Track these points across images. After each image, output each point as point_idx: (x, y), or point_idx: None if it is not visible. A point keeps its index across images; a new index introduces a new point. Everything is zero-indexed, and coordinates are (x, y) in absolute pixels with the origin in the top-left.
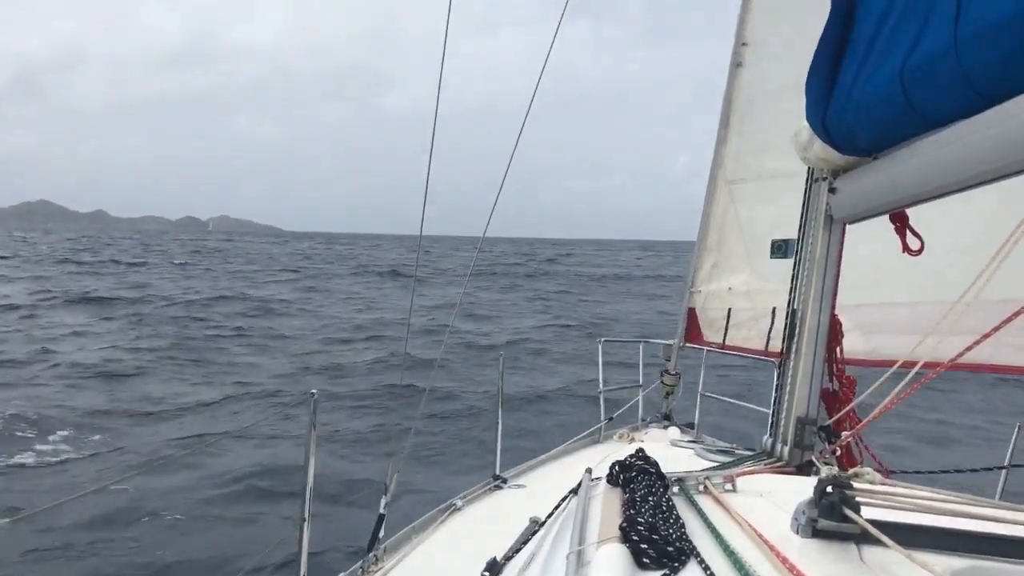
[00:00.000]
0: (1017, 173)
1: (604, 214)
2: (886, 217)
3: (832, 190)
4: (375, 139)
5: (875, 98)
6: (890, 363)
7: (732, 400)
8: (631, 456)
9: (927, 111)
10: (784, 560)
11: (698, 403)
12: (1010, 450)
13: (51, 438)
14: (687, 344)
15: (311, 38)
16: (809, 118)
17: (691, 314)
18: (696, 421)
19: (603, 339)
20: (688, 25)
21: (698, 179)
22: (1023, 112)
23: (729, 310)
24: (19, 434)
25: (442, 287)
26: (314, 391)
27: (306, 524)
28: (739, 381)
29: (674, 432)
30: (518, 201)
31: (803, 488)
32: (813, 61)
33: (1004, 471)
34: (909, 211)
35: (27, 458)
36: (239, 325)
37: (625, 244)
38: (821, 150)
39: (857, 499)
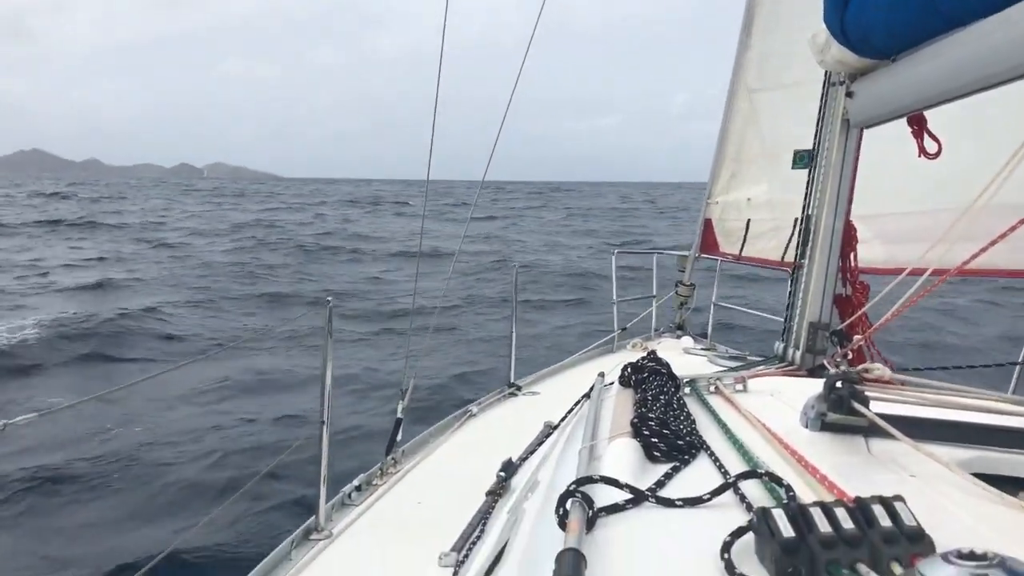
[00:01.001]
0: None
1: (600, 155)
2: (903, 123)
3: (849, 94)
4: (369, 81)
5: None
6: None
7: (745, 309)
8: (643, 358)
9: (948, 9)
10: (793, 452)
11: (711, 313)
12: None
13: None
14: (703, 255)
15: None
16: (827, 20)
17: (708, 225)
18: (709, 331)
19: (617, 250)
20: None
21: (694, 119)
22: None
23: (748, 221)
24: None
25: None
26: (329, 297)
27: (325, 428)
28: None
29: (687, 341)
30: (523, 145)
31: (813, 389)
32: None
33: (1017, 367)
34: (926, 114)
35: None
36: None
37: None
38: (838, 53)
39: (866, 393)
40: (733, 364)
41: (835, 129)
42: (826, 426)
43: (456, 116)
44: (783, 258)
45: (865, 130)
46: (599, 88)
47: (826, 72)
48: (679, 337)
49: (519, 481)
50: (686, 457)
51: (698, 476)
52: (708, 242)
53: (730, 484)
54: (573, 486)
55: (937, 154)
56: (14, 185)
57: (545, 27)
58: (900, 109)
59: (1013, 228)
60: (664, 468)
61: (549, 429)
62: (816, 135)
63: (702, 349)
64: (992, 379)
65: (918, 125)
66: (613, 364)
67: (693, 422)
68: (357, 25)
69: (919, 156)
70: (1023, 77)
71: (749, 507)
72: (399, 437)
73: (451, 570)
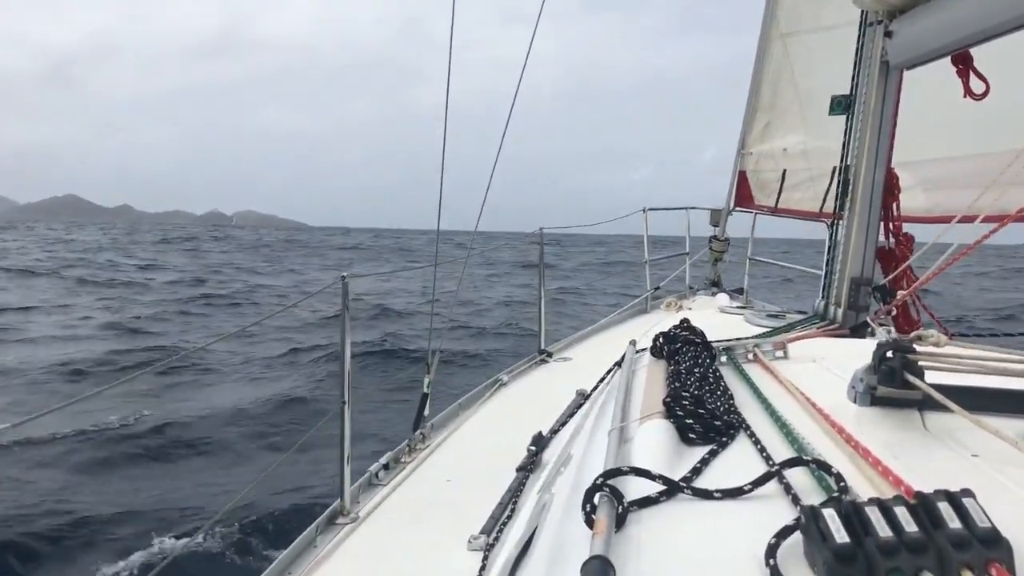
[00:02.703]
0: None
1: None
2: (946, 62)
3: (888, 34)
4: (404, 134)
5: None
6: (953, 219)
7: (783, 264)
8: (675, 327)
9: None
10: (840, 430)
11: (747, 268)
12: None
13: None
14: (737, 208)
15: (341, 29)
16: None
17: (742, 177)
18: (745, 287)
19: (647, 208)
20: (716, 18)
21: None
22: None
23: (784, 171)
24: None
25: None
26: (344, 274)
27: (346, 407)
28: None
29: (723, 299)
30: (538, 196)
31: (859, 351)
32: None
33: None
34: (973, 52)
35: None
36: None
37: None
38: None
39: (920, 363)
40: (771, 324)
41: (874, 72)
42: (876, 400)
43: (485, 170)
44: (821, 209)
45: (906, 72)
46: (631, 142)
47: (863, 12)
48: (714, 295)
49: (551, 455)
50: (724, 439)
51: (738, 461)
52: (742, 194)
53: (774, 473)
54: (601, 479)
55: (985, 94)
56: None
57: (577, 82)
58: (943, 47)
59: None
60: (701, 452)
61: (581, 398)
62: (853, 80)
63: (738, 307)
64: None
65: (963, 64)
66: (647, 327)
67: (731, 398)
68: (395, 79)
69: (964, 97)
70: None
71: (796, 500)
72: (426, 412)
73: (481, 554)
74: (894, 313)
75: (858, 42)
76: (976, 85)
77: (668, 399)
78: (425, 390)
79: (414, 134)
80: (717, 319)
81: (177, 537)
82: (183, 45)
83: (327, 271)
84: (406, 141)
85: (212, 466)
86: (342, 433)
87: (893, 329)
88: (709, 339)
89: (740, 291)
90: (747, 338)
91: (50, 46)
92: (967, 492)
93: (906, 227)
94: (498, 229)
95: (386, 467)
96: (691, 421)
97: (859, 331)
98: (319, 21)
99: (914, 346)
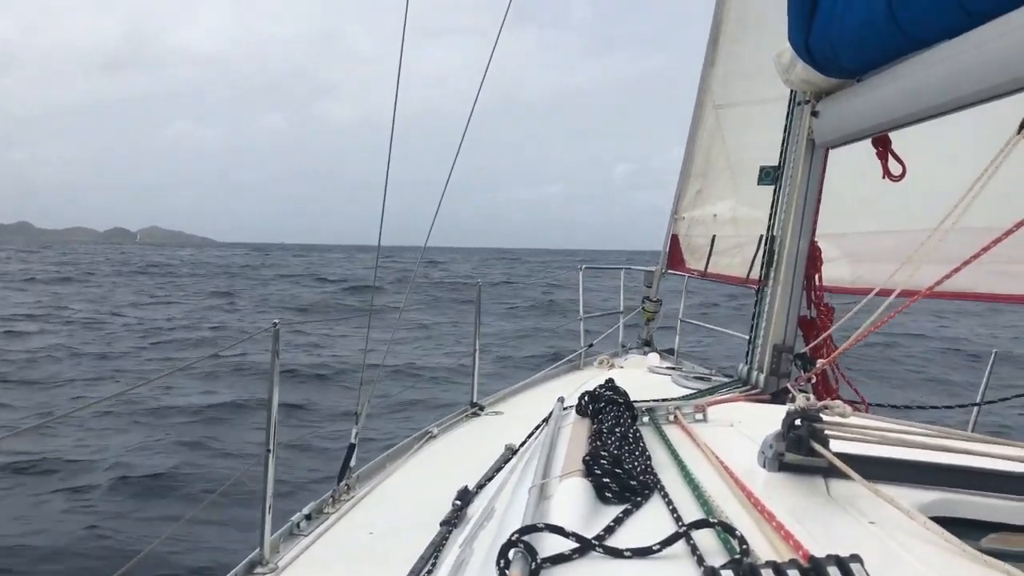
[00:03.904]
0: (1004, 94)
1: (544, 223)
2: (871, 142)
3: (814, 113)
4: (316, 148)
5: (860, 17)
6: (871, 291)
7: (712, 327)
8: (600, 386)
9: (913, 30)
10: (749, 494)
11: (678, 329)
12: (985, 378)
13: None
14: (669, 271)
15: (251, 44)
16: (792, 39)
17: (674, 240)
18: (676, 347)
19: (584, 266)
20: (633, 35)
21: (638, 189)
22: (1012, 30)
23: (713, 237)
24: None
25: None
26: (276, 321)
27: (271, 456)
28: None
29: (653, 358)
30: (462, 209)
31: (775, 417)
32: None
33: (976, 408)
34: (892, 136)
35: None
36: None
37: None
38: (804, 72)
39: (826, 432)
40: (698, 386)
41: (800, 149)
42: (784, 466)
43: (404, 184)
44: (748, 275)
45: (834, 149)
46: (545, 157)
47: (791, 91)
48: (646, 353)
49: (476, 510)
50: (639, 499)
51: (651, 520)
52: (675, 258)
53: (682, 534)
54: (516, 535)
55: (901, 176)
56: None
57: (493, 98)
58: (865, 130)
59: (986, 249)
60: (616, 511)
61: (509, 453)
62: (781, 154)
63: (668, 367)
64: (955, 416)
65: (883, 147)
66: (579, 382)
67: (649, 459)
68: (307, 94)
69: (883, 177)
70: (988, 100)
71: (700, 561)
72: (353, 463)
73: None
74: (814, 381)
75: (787, 119)
76: (894, 167)
77: (587, 457)
78: (352, 440)
79: (327, 148)
80: (646, 379)
81: None
82: (87, 58)
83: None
84: (318, 156)
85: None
86: (265, 481)
87: (812, 396)
88: (635, 399)
89: (671, 351)
90: (669, 399)
91: None
92: (855, 558)
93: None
94: (409, 243)
95: (308, 517)
96: (608, 480)
97: (780, 397)
98: (229, 34)
99: (821, 415)
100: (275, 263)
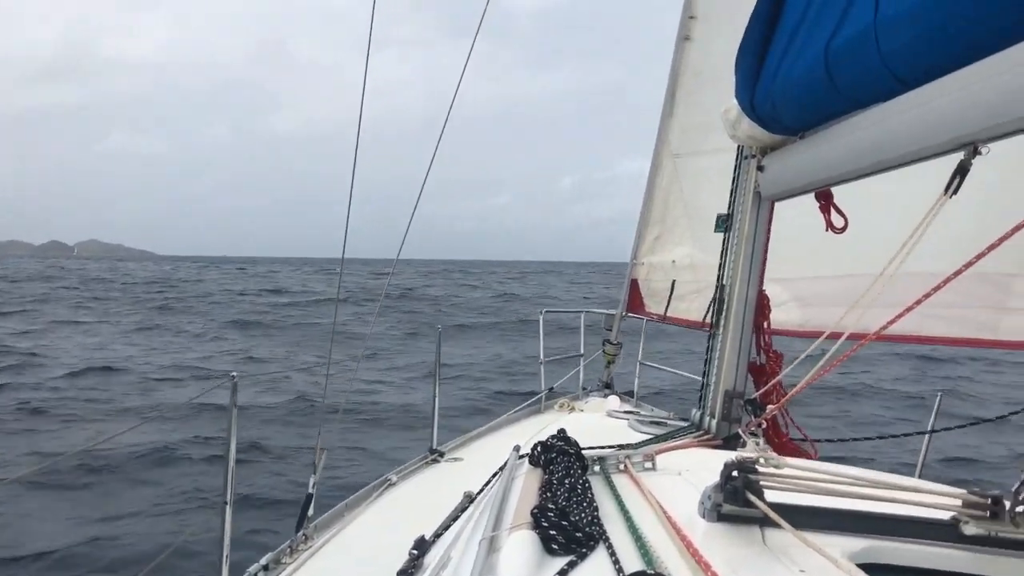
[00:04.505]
0: (932, 156)
1: (491, 234)
2: (814, 196)
3: (760, 168)
4: (261, 160)
5: (800, 78)
6: (821, 335)
7: (670, 370)
8: (552, 436)
9: (849, 92)
10: (689, 544)
11: (637, 372)
12: (932, 418)
13: None
14: (629, 314)
15: (193, 54)
16: (738, 96)
17: (634, 285)
18: (635, 389)
19: (545, 310)
20: (575, 48)
21: (583, 201)
22: (937, 97)
23: (673, 282)
24: None
25: None
26: (234, 373)
27: (228, 507)
28: (682, 349)
29: (613, 401)
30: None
31: (722, 464)
32: (743, 40)
33: (926, 439)
34: (841, 185)
35: None
36: None
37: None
38: (749, 128)
39: (761, 483)
40: (653, 431)
41: (747, 201)
42: (722, 516)
43: (345, 196)
44: (705, 319)
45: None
46: (492, 169)
47: (738, 146)
48: (606, 396)
49: (432, 559)
50: (584, 551)
51: (595, 572)
52: (634, 302)
53: None
54: None
55: (843, 229)
56: None
57: (439, 111)
58: (808, 185)
59: (924, 298)
60: (561, 563)
61: (467, 501)
62: (730, 205)
63: (626, 411)
64: (904, 445)
65: (825, 200)
66: (539, 427)
67: (596, 509)
68: (251, 104)
69: (826, 230)
70: (918, 161)
71: None
72: (311, 512)
73: None
74: (764, 426)
75: (735, 172)
76: (836, 220)
77: (535, 510)
78: (310, 490)
79: (272, 160)
80: (604, 424)
81: None
82: (21, 68)
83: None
84: (264, 167)
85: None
86: (222, 533)
87: (763, 441)
88: (591, 445)
89: (631, 393)
90: (621, 448)
91: None
92: None
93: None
94: (356, 255)
95: (266, 568)
96: (555, 532)
97: (731, 442)
98: (170, 44)
99: (756, 467)
100: (218, 278)
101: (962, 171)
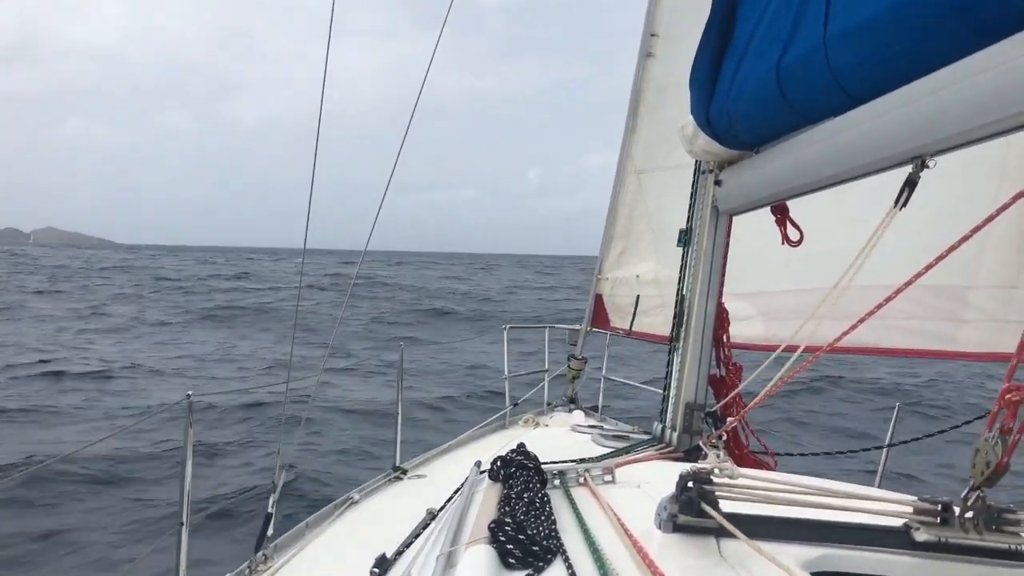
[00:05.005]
0: (883, 170)
1: (455, 227)
2: (770, 210)
3: (717, 182)
4: (221, 148)
5: (754, 94)
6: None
7: (634, 384)
8: (512, 451)
9: (801, 108)
10: (645, 556)
11: (601, 386)
12: (890, 430)
13: None
14: (594, 329)
15: (152, 40)
16: (694, 112)
17: (598, 300)
18: (600, 404)
19: (508, 325)
20: (544, 41)
21: (550, 195)
22: (886, 111)
23: (637, 297)
24: None
25: None
26: (190, 392)
27: (184, 528)
28: (647, 364)
29: (578, 416)
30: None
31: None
32: (696, 57)
33: (884, 451)
34: (799, 199)
35: None
36: None
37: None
38: (706, 143)
39: (716, 493)
40: (616, 444)
41: (705, 215)
42: (678, 527)
43: (308, 185)
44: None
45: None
46: (458, 162)
47: (696, 160)
48: (571, 411)
49: None
50: (541, 564)
51: None
52: (599, 316)
53: None
54: None
55: (799, 242)
56: None
57: (404, 102)
58: (764, 199)
59: (879, 307)
60: None
61: (429, 517)
62: (688, 220)
63: (590, 425)
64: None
65: (781, 214)
66: (504, 442)
67: (554, 523)
68: (214, 92)
69: (782, 243)
70: (871, 174)
71: None
72: (270, 532)
73: None
74: (724, 438)
75: (692, 187)
76: (792, 233)
77: (492, 524)
78: (269, 509)
79: (232, 149)
80: (568, 438)
81: None
82: None
83: None
84: (225, 155)
85: None
86: (178, 556)
87: (723, 452)
88: (554, 459)
89: (596, 408)
90: (581, 461)
91: None
92: None
93: (750, 354)
94: (321, 247)
95: None
96: (511, 546)
97: (692, 454)
98: (128, 30)
99: (711, 477)
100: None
101: (911, 184)
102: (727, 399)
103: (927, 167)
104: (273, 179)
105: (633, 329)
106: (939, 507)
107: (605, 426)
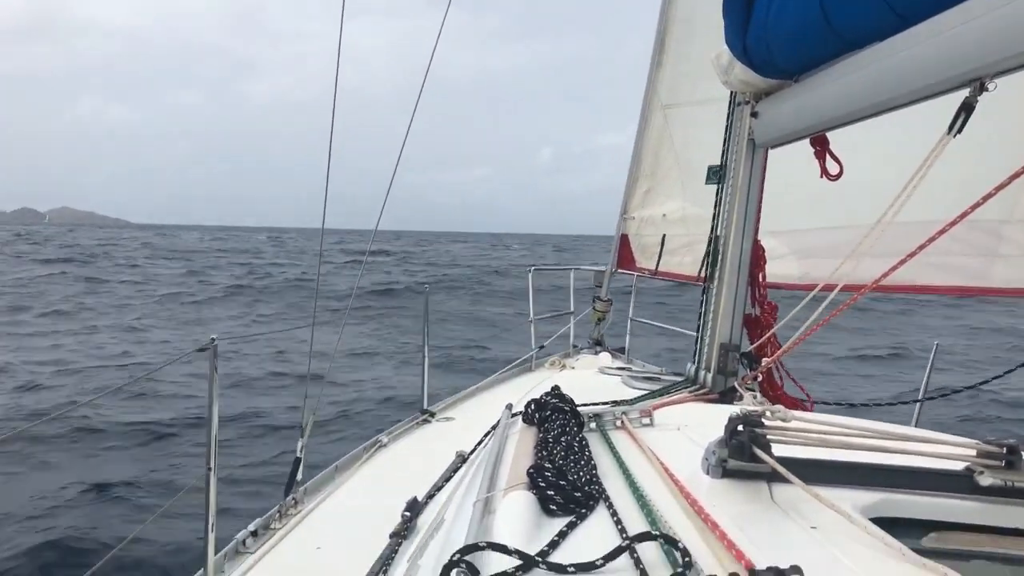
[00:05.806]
0: (936, 95)
1: (467, 206)
2: (809, 142)
3: (754, 114)
4: (234, 127)
5: (794, 19)
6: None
7: (662, 324)
8: (547, 393)
9: (845, 32)
10: (693, 502)
11: (628, 328)
12: (928, 368)
13: None
14: (620, 270)
15: (166, 18)
16: (729, 41)
17: (624, 240)
18: (627, 346)
19: (533, 267)
20: (556, 20)
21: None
22: (941, 31)
23: (664, 236)
24: None
25: None
26: (214, 336)
27: (212, 474)
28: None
29: (605, 358)
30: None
31: (722, 419)
32: None
33: (918, 404)
34: (837, 132)
35: None
36: None
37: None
38: (742, 73)
39: (767, 437)
40: (647, 386)
41: (741, 149)
42: (728, 472)
43: (323, 167)
44: (699, 274)
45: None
46: (470, 141)
47: (731, 92)
48: (597, 353)
49: (425, 520)
50: (584, 511)
51: (596, 533)
52: (624, 257)
53: (625, 548)
54: (458, 555)
55: (839, 175)
56: None
57: (418, 81)
58: (803, 130)
59: (923, 246)
60: (561, 523)
61: (460, 460)
62: (723, 155)
63: (618, 367)
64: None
65: (821, 146)
66: (531, 385)
67: (594, 468)
68: (228, 71)
69: (821, 177)
70: (918, 100)
71: (644, 574)
72: (299, 476)
73: None
74: (759, 379)
75: (728, 119)
76: (832, 166)
77: (531, 470)
78: (298, 454)
79: (246, 128)
80: (597, 380)
81: None
82: None
83: None
84: (238, 134)
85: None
86: (207, 500)
87: (759, 394)
88: (585, 401)
89: (622, 350)
90: (617, 402)
91: None
92: (796, 569)
93: (782, 293)
94: (336, 226)
95: (254, 534)
96: (552, 492)
97: (728, 396)
98: (142, 7)
99: (763, 420)
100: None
101: (967, 108)
102: (763, 339)
103: (986, 90)
104: (284, 158)
105: (659, 269)
106: (1004, 450)
107: (633, 367)
